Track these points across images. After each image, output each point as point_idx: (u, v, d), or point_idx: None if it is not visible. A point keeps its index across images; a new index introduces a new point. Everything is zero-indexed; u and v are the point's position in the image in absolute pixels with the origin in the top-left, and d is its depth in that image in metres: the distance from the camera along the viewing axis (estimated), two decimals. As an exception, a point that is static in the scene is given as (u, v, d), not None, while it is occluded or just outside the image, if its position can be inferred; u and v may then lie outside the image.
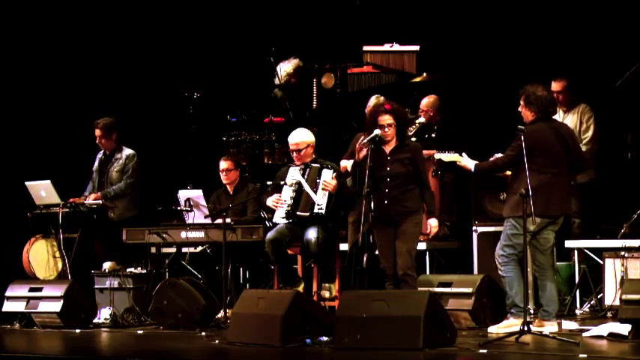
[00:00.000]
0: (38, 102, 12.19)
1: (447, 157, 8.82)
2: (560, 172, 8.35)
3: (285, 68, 11.12)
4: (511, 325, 8.25)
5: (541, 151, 8.26)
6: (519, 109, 8.51)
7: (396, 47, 10.89)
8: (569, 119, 10.12)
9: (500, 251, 8.43)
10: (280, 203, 9.22)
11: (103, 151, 10.85)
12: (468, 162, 8.64)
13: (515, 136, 8.25)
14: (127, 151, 10.75)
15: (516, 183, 8.29)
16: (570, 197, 8.77)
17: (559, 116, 9.98)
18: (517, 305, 8.27)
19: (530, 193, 7.85)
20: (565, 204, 8.48)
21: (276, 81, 11.14)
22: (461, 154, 8.69)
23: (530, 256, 8.35)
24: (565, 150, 8.39)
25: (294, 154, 9.34)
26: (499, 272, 8.46)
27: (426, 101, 10.71)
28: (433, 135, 10.47)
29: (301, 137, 9.35)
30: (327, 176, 9.11)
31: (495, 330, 8.33)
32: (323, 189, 9.07)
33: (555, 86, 10.13)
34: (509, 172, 8.59)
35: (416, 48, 10.87)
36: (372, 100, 9.50)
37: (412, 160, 8.39)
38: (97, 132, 10.73)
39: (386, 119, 8.39)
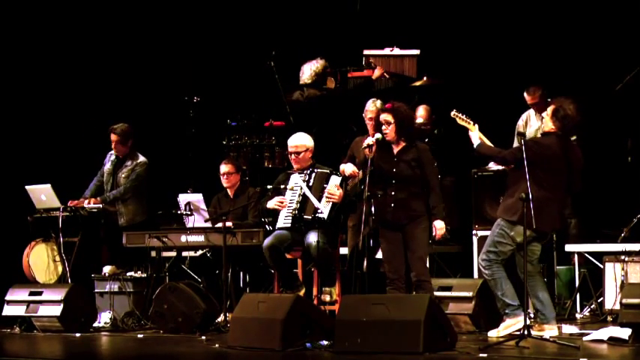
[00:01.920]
0: (38, 106, 12.18)
1: (462, 120, 8.53)
2: (557, 189, 8.27)
3: (314, 68, 11.06)
4: (509, 325, 8.24)
5: (543, 166, 8.17)
6: (544, 113, 8.44)
7: (397, 51, 10.88)
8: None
9: (483, 255, 8.37)
10: (285, 205, 9.20)
11: (115, 154, 10.78)
12: (474, 137, 8.47)
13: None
14: (140, 159, 10.63)
15: (515, 185, 8.23)
16: (560, 213, 8.66)
17: (536, 124, 10.00)
18: (510, 304, 8.26)
19: (531, 197, 7.84)
20: (556, 222, 8.38)
21: (303, 81, 11.01)
22: (474, 125, 8.52)
23: (517, 265, 8.32)
24: (567, 170, 8.28)
25: (293, 156, 9.31)
26: (484, 276, 8.43)
27: (421, 112, 10.77)
28: (426, 139, 10.45)
29: (301, 141, 9.34)
30: (334, 183, 9.07)
31: (495, 334, 8.32)
32: (327, 201, 9.03)
33: (530, 99, 10.13)
34: (512, 165, 8.47)
35: (416, 52, 10.87)
36: (370, 104, 9.49)
37: (418, 162, 8.27)
38: (114, 137, 10.59)
39: (384, 117, 8.36)
